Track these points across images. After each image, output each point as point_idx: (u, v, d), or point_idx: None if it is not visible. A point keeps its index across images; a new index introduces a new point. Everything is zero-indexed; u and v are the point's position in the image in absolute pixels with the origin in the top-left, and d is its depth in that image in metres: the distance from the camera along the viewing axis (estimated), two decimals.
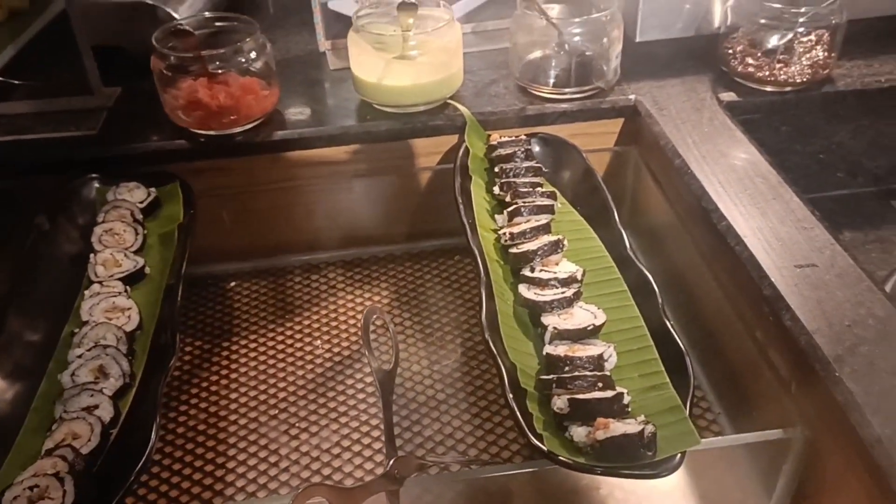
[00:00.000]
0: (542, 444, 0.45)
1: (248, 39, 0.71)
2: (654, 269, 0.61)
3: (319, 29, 0.85)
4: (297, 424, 0.64)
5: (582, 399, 0.47)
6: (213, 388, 0.67)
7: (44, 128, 0.75)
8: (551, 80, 0.77)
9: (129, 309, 0.57)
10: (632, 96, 0.77)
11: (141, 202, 0.69)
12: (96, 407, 0.50)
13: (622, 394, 0.47)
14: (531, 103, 0.77)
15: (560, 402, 0.47)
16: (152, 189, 0.71)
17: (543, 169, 0.72)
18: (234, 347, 0.71)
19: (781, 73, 0.75)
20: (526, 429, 0.46)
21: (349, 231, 0.81)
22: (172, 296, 0.59)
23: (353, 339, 0.72)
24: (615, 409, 0.47)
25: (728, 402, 0.63)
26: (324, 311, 0.75)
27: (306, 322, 0.74)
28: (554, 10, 0.76)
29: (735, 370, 0.62)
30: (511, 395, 0.48)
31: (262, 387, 0.67)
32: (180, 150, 0.73)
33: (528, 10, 0.74)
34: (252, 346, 0.72)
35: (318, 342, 0.72)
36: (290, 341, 0.72)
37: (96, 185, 0.70)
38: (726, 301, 0.62)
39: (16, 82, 0.75)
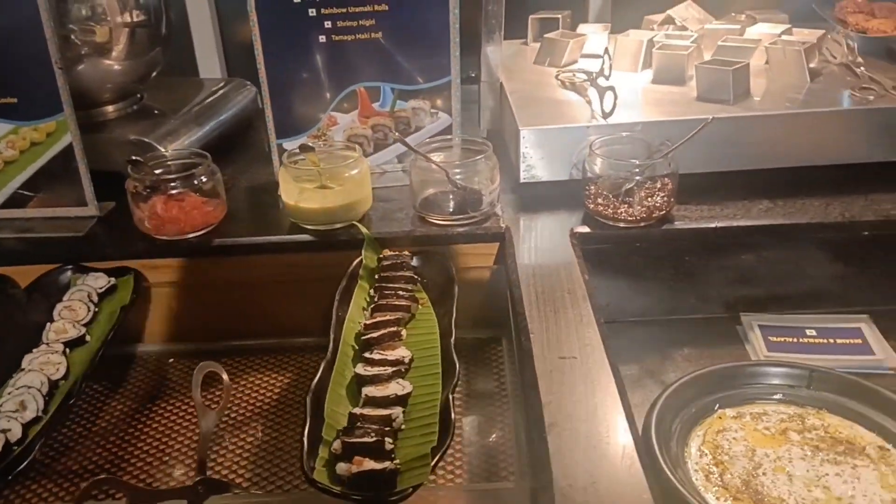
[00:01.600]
0: (312, 474, 0.60)
1: (199, 168, 0.93)
2: None
3: (275, 162, 1.07)
4: (168, 472, 0.79)
5: (349, 442, 0.61)
6: (122, 436, 0.84)
7: (45, 229, 0.97)
8: (441, 210, 0.95)
9: (59, 363, 0.76)
10: (504, 225, 0.94)
11: (101, 287, 0.89)
12: (9, 430, 0.67)
13: (383, 441, 0.61)
14: (423, 228, 0.95)
15: (336, 444, 0.62)
16: (112, 278, 0.91)
17: (418, 278, 0.89)
18: (157, 409, 0.88)
19: (624, 213, 0.91)
20: (304, 463, 0.60)
21: (272, 323, 0.98)
22: (94, 355, 0.77)
23: (254, 408, 0.88)
24: (375, 452, 0.61)
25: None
26: (240, 389, 0.92)
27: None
28: (440, 156, 0.95)
29: None
30: (305, 439, 0.63)
31: (164, 439, 0.84)
32: (142, 250, 0.94)
33: (419, 159, 0.94)
34: (168, 410, 0.88)
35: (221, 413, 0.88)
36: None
37: (70, 273, 0.91)
38: None
39: (30, 194, 0.99)
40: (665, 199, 0.91)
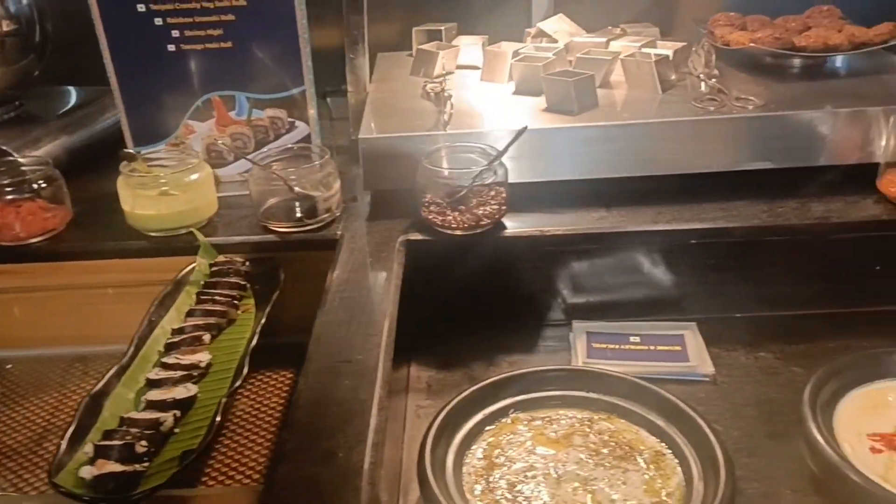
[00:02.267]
0: (54, 476, 0.60)
1: (37, 174, 0.94)
2: None
3: None
4: None
5: (99, 445, 0.62)
6: None
7: None
8: (280, 218, 0.96)
9: None
10: (339, 232, 0.95)
11: None
12: None
13: (133, 444, 0.62)
14: (262, 235, 0.96)
15: (87, 447, 0.63)
16: None
17: (247, 284, 0.90)
18: None
19: (453, 220, 0.92)
20: (52, 465, 0.61)
21: (109, 329, 0.99)
22: None
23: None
24: (125, 455, 0.62)
25: None
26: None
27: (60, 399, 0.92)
28: (281, 165, 0.97)
29: None
30: (65, 443, 0.64)
31: None
32: None
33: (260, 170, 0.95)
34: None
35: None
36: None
37: None
38: None
39: None
40: (497, 207, 0.93)
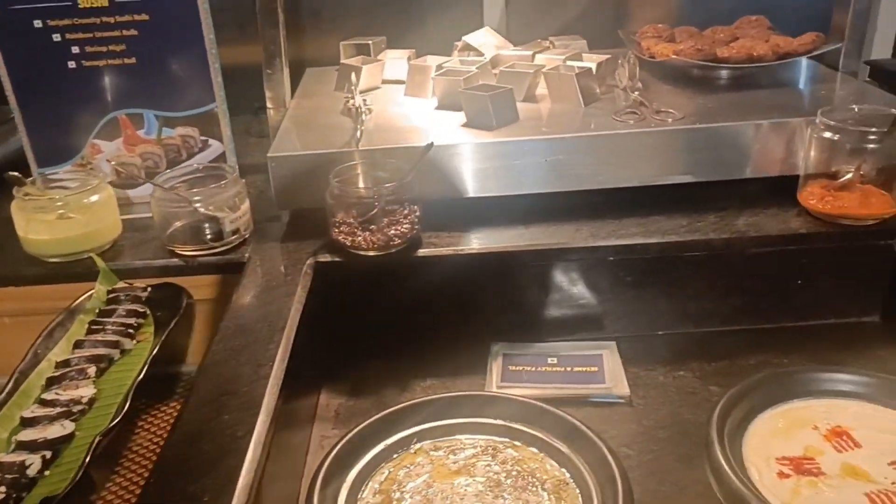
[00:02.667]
0: None
1: None
2: None
3: None
4: None
5: None
6: None
7: None
8: (185, 241, 0.92)
9: None
10: (247, 255, 0.91)
11: None
12: None
13: None
14: (168, 259, 0.92)
15: None
16: None
17: (146, 312, 0.86)
18: None
19: (363, 241, 0.88)
20: None
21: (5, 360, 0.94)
22: None
23: None
24: None
25: None
26: None
27: None
28: (186, 186, 0.93)
29: None
30: None
31: None
32: None
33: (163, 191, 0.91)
34: None
35: None
36: None
37: None
38: None
39: None
40: (409, 226, 0.90)
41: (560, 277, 0.93)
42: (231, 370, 0.70)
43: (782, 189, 0.96)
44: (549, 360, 0.89)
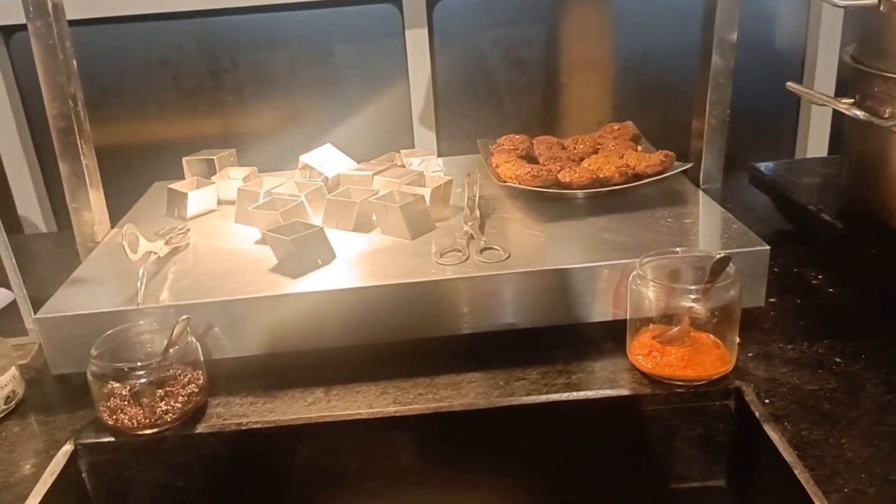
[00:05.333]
0: None
1: None
2: None
3: None
4: None
5: None
6: None
7: None
8: None
9: None
10: (5, 434, 0.81)
11: None
12: None
13: None
14: None
15: None
16: None
17: None
18: None
19: (129, 418, 0.78)
20: None
21: None
22: None
23: None
24: None
25: None
26: None
27: None
28: None
29: None
30: None
31: None
32: None
33: None
34: None
35: None
36: None
37: None
38: None
39: None
40: (186, 398, 0.80)
41: (366, 447, 0.83)
42: None
43: (611, 339, 0.88)
44: None
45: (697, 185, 1.10)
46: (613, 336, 0.88)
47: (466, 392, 0.83)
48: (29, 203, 1.47)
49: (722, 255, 0.77)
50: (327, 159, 1.15)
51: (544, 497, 0.83)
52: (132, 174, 1.43)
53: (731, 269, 0.79)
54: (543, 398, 0.81)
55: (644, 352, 0.82)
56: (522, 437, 0.83)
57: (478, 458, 0.84)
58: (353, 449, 0.83)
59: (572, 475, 0.84)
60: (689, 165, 1.06)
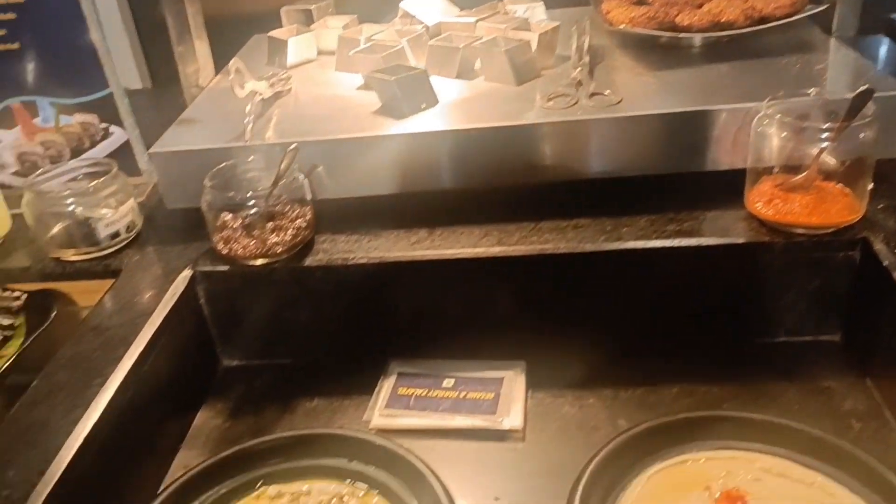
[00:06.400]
0: None
1: None
2: None
3: None
4: None
5: None
6: None
7: None
8: (65, 244, 0.86)
9: None
10: (125, 260, 0.85)
11: None
12: None
13: None
14: (47, 263, 0.86)
15: None
16: None
17: (13, 323, 0.81)
18: None
19: (242, 249, 0.80)
20: None
21: None
22: None
23: None
24: None
25: None
26: None
27: None
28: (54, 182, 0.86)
29: None
30: None
31: None
32: None
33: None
34: None
35: None
36: None
37: None
38: None
39: None
40: (295, 231, 0.81)
41: (468, 288, 0.83)
42: (75, 384, 0.64)
43: (724, 188, 0.83)
44: (445, 384, 0.80)
45: (829, 34, 1.01)
46: (729, 187, 0.83)
47: (572, 237, 0.81)
48: (126, 64, 1.48)
49: (864, 88, 0.70)
50: (428, 6, 1.11)
51: (645, 348, 0.82)
52: (231, 28, 1.41)
53: (870, 107, 0.72)
54: (652, 244, 0.78)
55: (764, 199, 0.78)
56: (627, 285, 0.81)
57: (579, 306, 0.83)
58: (455, 290, 0.83)
59: (675, 327, 0.83)
60: (824, 7, 0.96)
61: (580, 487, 0.60)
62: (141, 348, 0.71)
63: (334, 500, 0.65)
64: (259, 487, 0.67)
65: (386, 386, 0.81)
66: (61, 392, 0.65)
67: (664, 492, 0.62)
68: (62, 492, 0.57)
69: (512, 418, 0.75)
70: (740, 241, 0.77)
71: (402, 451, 0.65)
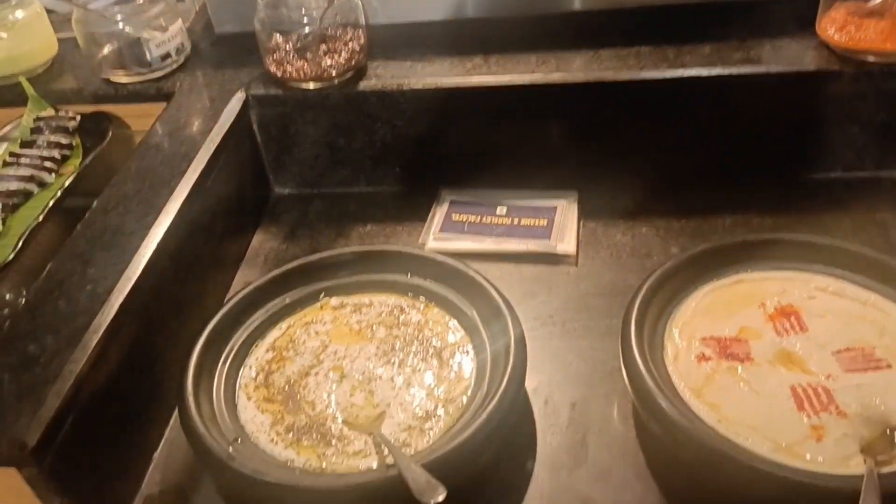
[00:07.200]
0: None
1: None
2: None
3: None
4: None
5: None
6: None
7: None
8: (116, 65, 0.85)
9: None
10: (179, 84, 0.84)
11: None
12: None
13: None
14: (99, 86, 0.86)
15: None
16: None
17: (71, 143, 0.82)
18: None
19: (297, 71, 0.79)
20: None
21: None
22: None
23: None
24: None
25: None
26: None
27: None
28: (101, 3, 0.84)
29: None
30: None
31: None
32: None
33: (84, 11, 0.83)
34: None
35: None
36: None
37: None
38: None
39: None
40: (349, 55, 0.80)
41: (522, 117, 0.82)
42: (116, 216, 0.66)
43: (796, 14, 0.80)
44: (499, 211, 0.81)
45: None
46: (797, 17, 0.80)
47: (632, 64, 0.79)
48: None
49: None
50: None
51: (699, 180, 0.81)
52: None
53: None
54: (717, 70, 0.76)
55: (837, 25, 0.75)
56: (687, 116, 0.80)
57: (634, 137, 0.82)
58: (509, 119, 0.82)
59: (732, 160, 0.82)
60: None
61: (636, 302, 0.62)
62: (203, 165, 0.72)
63: (395, 310, 0.68)
64: (322, 298, 0.69)
65: (439, 213, 0.82)
66: (132, 200, 0.67)
67: (719, 307, 0.63)
68: (144, 286, 0.59)
69: (566, 244, 0.76)
70: (810, 68, 0.75)
71: (461, 266, 0.67)
